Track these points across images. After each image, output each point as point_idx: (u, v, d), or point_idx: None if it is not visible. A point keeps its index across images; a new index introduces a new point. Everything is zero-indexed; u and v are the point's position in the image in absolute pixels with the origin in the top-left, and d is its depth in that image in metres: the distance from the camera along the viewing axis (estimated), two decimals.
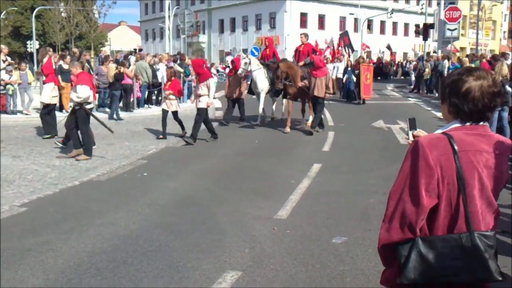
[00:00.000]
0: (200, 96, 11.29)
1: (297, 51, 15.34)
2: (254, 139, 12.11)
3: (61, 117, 15.47)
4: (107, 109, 16.69)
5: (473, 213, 2.10)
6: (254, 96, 14.97)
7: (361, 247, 5.19)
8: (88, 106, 9.65)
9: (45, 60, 14.12)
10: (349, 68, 21.93)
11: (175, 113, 12.16)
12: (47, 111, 12.16)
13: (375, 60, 38.92)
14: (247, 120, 14.93)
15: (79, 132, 9.67)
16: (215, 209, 6.58)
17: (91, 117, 9.73)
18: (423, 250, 2.10)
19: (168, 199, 7.10)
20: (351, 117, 16.64)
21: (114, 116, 15.63)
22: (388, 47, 46.44)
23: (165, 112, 12.13)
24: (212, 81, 11.55)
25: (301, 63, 14.21)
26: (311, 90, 12.69)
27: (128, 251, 5.07)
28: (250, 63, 14.10)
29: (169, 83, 12.28)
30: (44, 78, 13.23)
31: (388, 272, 2.32)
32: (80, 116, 9.51)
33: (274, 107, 15.75)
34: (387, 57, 48.78)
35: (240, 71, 14.08)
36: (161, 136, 12.15)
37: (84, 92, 9.41)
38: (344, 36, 26.81)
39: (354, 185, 7.90)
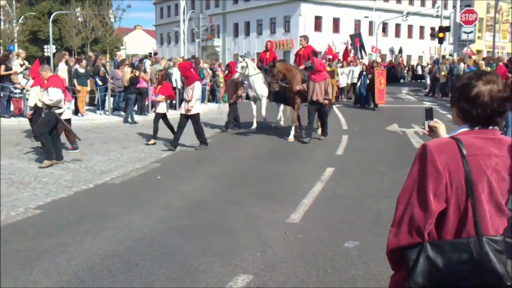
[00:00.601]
0: (187, 101, 10.95)
1: (297, 55, 14.65)
2: (267, 143, 12.12)
3: (76, 120, 15.70)
4: (122, 113, 16.83)
5: (481, 217, 2.10)
6: (252, 102, 14.20)
7: (373, 251, 5.17)
8: (58, 111, 9.37)
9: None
10: (364, 73, 21.42)
11: (164, 116, 11.83)
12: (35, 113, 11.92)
13: (386, 64, 38.52)
14: (242, 126, 14.37)
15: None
16: (228, 213, 6.61)
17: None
18: (431, 255, 2.09)
19: (182, 202, 7.14)
20: (365, 121, 16.58)
21: (129, 119, 15.75)
22: (399, 50, 46.18)
23: (157, 115, 11.89)
24: (198, 84, 11.10)
25: (301, 67, 13.44)
26: (310, 95, 11.97)
27: (141, 253, 5.12)
28: (247, 67, 13.44)
29: (159, 86, 11.94)
30: (31, 81, 13.01)
31: (396, 277, 2.32)
32: (46, 118, 9.27)
33: (280, 114, 14.79)
34: (399, 60, 48.39)
35: (236, 75, 13.56)
36: (152, 141, 11.87)
37: (56, 95, 9.17)
38: (355, 37, 26.47)
39: (367, 189, 7.87)
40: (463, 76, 2.26)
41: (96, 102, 18.14)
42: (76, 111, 16.64)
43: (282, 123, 14.58)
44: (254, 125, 13.82)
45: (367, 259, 4.99)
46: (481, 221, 2.09)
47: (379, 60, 28.79)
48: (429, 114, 2.55)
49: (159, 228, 5.95)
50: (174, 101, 17.72)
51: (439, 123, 2.51)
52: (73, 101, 10.81)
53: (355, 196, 7.49)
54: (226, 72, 16.30)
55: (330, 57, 22.98)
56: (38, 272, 4.65)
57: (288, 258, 5.04)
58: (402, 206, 2.17)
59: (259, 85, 13.68)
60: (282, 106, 14.45)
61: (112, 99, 17.50)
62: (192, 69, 11.52)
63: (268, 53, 14.89)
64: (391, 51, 45.97)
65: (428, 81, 28.90)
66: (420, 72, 44.91)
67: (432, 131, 2.53)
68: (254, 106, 14.06)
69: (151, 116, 17.34)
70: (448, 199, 2.09)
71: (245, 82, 14.35)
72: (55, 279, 4.52)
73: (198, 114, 11.13)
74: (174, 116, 13.20)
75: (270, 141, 12.25)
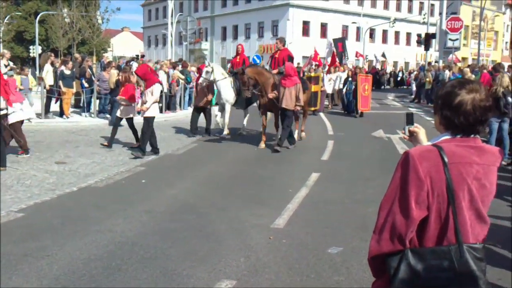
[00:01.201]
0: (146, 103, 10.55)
1: (272, 57, 13.49)
2: (253, 147, 12.11)
3: (60, 122, 15.57)
4: (108, 115, 16.72)
5: (462, 224, 2.11)
6: (219, 108, 13.53)
7: (357, 257, 5.18)
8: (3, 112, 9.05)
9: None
10: (350, 79, 20.80)
11: (130, 120, 11.48)
12: None
13: (367, 69, 38.48)
14: (212, 133, 13.92)
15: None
16: (212, 217, 6.58)
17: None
18: (412, 262, 2.10)
19: (166, 206, 7.10)
20: (351, 127, 16.65)
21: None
22: (382, 55, 46.43)
23: (118, 119, 11.63)
24: (157, 87, 10.69)
25: (275, 71, 12.50)
26: (280, 101, 11.39)
27: (123, 258, 5.07)
28: (212, 72, 12.76)
29: (122, 88, 11.54)
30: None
31: (378, 284, 2.33)
32: None
33: (246, 121, 14.46)
34: (381, 66, 48.52)
35: (200, 80, 13.04)
36: (105, 143, 11.51)
37: None
38: (338, 42, 26.37)
39: (352, 194, 7.90)
40: (446, 84, 2.28)
41: (81, 104, 18.01)
42: (61, 113, 16.53)
43: (244, 132, 14.35)
44: (226, 131, 13.08)
45: (350, 265, 5.00)
46: (461, 228, 2.11)
47: (361, 65, 28.86)
48: (409, 119, 2.56)
49: (143, 232, 5.91)
50: (160, 104, 17.63)
51: (419, 128, 2.53)
52: (26, 101, 10.45)
53: (340, 201, 7.50)
54: (197, 75, 15.90)
55: (316, 63, 22.81)
56: (18, 277, 4.59)
57: (271, 264, 5.03)
58: (384, 213, 2.18)
59: (225, 90, 13.07)
60: (248, 115, 14.31)
61: (98, 101, 17.38)
62: (150, 71, 11.12)
63: (238, 57, 14.43)
64: (375, 56, 46.26)
65: (414, 87, 29.13)
66: (401, 78, 45.26)
67: (412, 136, 2.55)
68: (218, 113, 13.37)
69: (136, 119, 17.26)
70: (429, 206, 2.11)
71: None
72: (36, 284, 4.47)
73: (152, 118, 10.68)
74: (157, 119, 13.15)
75: (256, 146, 12.22)
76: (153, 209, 6.90)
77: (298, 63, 31.41)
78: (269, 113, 12.83)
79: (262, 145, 12.05)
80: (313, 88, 18.17)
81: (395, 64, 58.89)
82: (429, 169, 2.09)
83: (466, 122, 2.14)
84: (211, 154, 11.23)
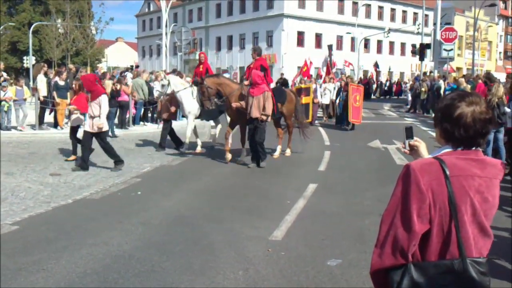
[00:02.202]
0: (93, 117, 9.93)
1: (248, 68, 12.44)
2: (249, 158, 12.05)
3: (55, 133, 15.50)
4: None
5: (465, 238, 2.09)
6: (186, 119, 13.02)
7: (355, 269, 5.15)
8: None
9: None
10: (342, 90, 19.73)
11: (73, 130, 11.02)
12: None
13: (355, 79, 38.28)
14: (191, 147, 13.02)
15: None
16: (209, 229, 6.53)
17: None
18: (415, 276, 2.08)
19: (162, 218, 7.04)
20: (347, 137, 16.66)
21: (109, 133, 15.57)
22: (375, 64, 46.57)
23: (73, 130, 11.18)
24: (105, 98, 10.08)
25: (246, 82, 11.45)
26: (248, 111, 10.72)
27: (120, 271, 5.01)
28: (169, 85, 12.29)
29: (75, 97, 10.96)
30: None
31: None
32: None
33: (218, 132, 13.93)
34: (369, 75, 48.55)
35: (156, 94, 12.70)
36: (72, 157, 11.03)
37: None
38: (330, 49, 26.15)
39: (349, 206, 7.86)
40: (446, 97, 2.27)
41: None
42: (55, 124, 16.46)
43: (216, 142, 13.86)
44: (185, 146, 12.66)
45: (349, 277, 4.96)
46: (464, 242, 2.09)
47: (348, 74, 28.81)
48: (409, 132, 2.54)
49: (139, 245, 5.85)
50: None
51: (419, 141, 2.51)
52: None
53: (338, 212, 7.47)
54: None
55: (305, 78, 22.45)
56: None
57: (270, 277, 4.98)
58: (385, 227, 2.15)
59: (187, 100, 12.57)
60: (219, 126, 13.80)
61: None
62: (97, 82, 10.55)
63: (201, 66, 13.82)
64: (376, 65, 46.40)
65: (410, 97, 29.24)
66: (388, 88, 45.38)
67: (413, 150, 2.53)
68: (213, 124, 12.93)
69: (132, 130, 17.27)
70: (431, 220, 2.09)
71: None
72: None
73: (105, 132, 10.32)
74: (153, 130, 13.10)
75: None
76: (149, 221, 6.84)
77: (282, 74, 31.15)
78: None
79: (228, 155, 11.33)
80: (304, 99, 18.14)
81: (390, 74, 59.21)
82: (431, 182, 2.07)
83: (467, 135, 2.13)
84: (206, 166, 11.17)
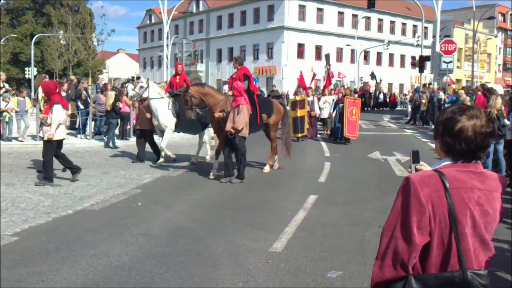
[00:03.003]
0: (46, 125, 9.62)
1: (231, 78, 11.88)
2: (249, 170, 12.05)
3: None
4: (104, 137, 16.68)
5: (465, 251, 2.09)
6: (157, 132, 12.45)
7: (356, 281, 5.14)
8: None
9: None
10: (339, 101, 18.72)
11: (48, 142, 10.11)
12: None
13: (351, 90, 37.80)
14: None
15: None
16: (209, 241, 6.52)
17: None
18: None
19: (162, 229, 7.04)
20: (347, 148, 16.67)
21: (110, 144, 15.60)
22: (372, 75, 46.56)
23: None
24: (57, 108, 9.57)
25: (230, 93, 11.07)
26: (226, 124, 10.34)
27: (120, 283, 5.00)
28: (147, 88, 11.79)
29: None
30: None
31: None
32: None
33: (199, 148, 13.36)
34: (366, 87, 48.25)
35: (131, 93, 11.98)
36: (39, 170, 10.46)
37: None
38: (327, 58, 25.87)
39: (350, 217, 7.85)
40: (446, 110, 2.28)
41: (77, 126, 17.98)
42: None
43: (208, 157, 13.27)
44: (161, 159, 12.40)
45: None
46: (465, 255, 2.09)
47: (358, 87, 28.85)
48: (415, 157, 2.52)
49: (139, 257, 5.84)
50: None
51: (425, 166, 2.51)
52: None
53: (338, 224, 7.46)
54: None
55: (302, 86, 22.14)
56: None
57: None
58: (386, 239, 2.16)
59: (163, 112, 11.91)
60: (205, 136, 13.16)
61: (93, 123, 17.37)
62: (57, 90, 10.02)
63: (178, 77, 13.43)
64: (373, 76, 46.37)
65: (409, 109, 29.31)
66: (382, 100, 45.26)
67: None
68: (159, 138, 12.25)
69: (132, 141, 17.25)
70: (431, 232, 2.09)
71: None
72: None
73: (56, 142, 9.80)
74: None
75: (252, 169, 12.20)
76: (149, 233, 6.83)
77: (274, 86, 30.82)
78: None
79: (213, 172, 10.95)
80: (299, 112, 18.04)
81: (390, 86, 59.37)
82: (430, 194, 2.08)
83: (468, 148, 2.14)
84: (207, 177, 11.16)
